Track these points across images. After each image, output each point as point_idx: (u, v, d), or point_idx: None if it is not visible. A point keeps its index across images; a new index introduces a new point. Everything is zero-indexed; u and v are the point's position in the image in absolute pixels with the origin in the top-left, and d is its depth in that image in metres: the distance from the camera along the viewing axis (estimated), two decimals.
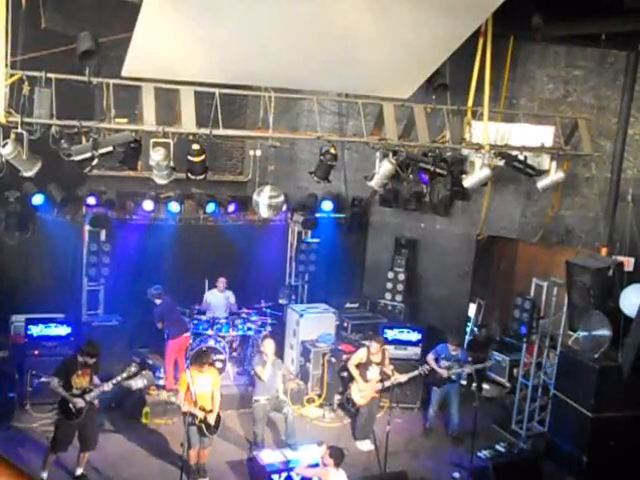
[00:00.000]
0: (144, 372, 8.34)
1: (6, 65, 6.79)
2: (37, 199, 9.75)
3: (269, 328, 10.87)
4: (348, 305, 11.91)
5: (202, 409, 7.87)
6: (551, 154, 9.63)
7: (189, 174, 8.21)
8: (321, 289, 12.09)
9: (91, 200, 10.21)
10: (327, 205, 11.96)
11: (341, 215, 12.26)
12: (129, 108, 8.04)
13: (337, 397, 10.27)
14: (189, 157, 7.97)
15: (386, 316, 11.73)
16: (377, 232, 12.58)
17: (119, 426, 9.22)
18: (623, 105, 9.97)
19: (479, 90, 9.13)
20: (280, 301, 11.63)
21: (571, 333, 9.07)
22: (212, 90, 7.89)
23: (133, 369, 7.70)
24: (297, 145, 12.28)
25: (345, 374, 10.02)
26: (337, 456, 6.78)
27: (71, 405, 7.51)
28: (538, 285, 9.74)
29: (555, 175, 9.55)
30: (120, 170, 9.18)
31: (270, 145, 8.33)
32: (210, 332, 10.42)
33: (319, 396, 10.36)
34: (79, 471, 7.90)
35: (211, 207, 10.93)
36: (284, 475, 7.67)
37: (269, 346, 8.81)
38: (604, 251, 9.88)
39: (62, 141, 7.20)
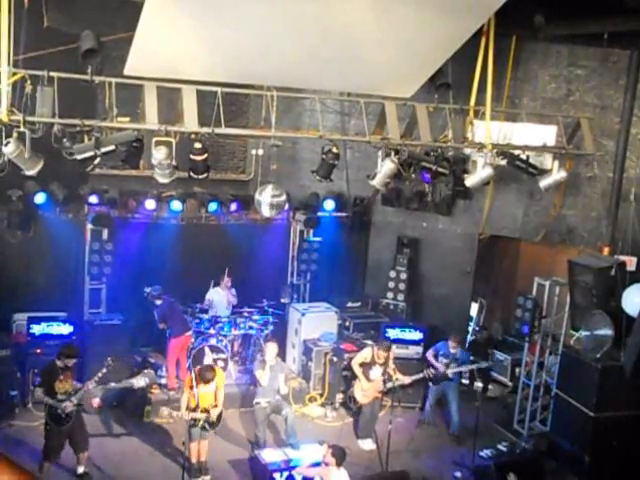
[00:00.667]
0: (146, 371, 8.34)
1: (8, 64, 6.80)
2: (39, 198, 9.74)
3: (271, 327, 10.89)
4: (350, 304, 11.92)
5: (204, 410, 7.88)
6: (553, 153, 9.65)
7: (191, 173, 8.22)
8: (323, 288, 12.07)
9: (93, 199, 10.21)
10: (329, 204, 11.96)
11: (343, 214, 12.25)
12: (131, 107, 8.03)
13: (339, 396, 10.28)
14: (191, 156, 7.98)
15: (388, 315, 11.74)
16: (379, 231, 12.57)
17: (121, 425, 9.25)
18: (626, 104, 9.95)
19: (481, 89, 9.14)
20: (282, 300, 11.63)
21: (573, 332, 9.07)
22: (214, 89, 7.89)
23: (111, 362, 7.67)
24: (299, 144, 12.29)
25: (347, 373, 10.04)
26: (339, 455, 6.79)
27: (60, 411, 7.47)
28: (540, 284, 9.74)
29: (557, 174, 9.55)
30: (122, 169, 9.21)
31: (272, 144, 8.30)
32: (212, 331, 10.42)
33: (321, 395, 10.36)
34: (80, 469, 7.91)
35: (213, 206, 10.95)
36: (286, 474, 7.70)
37: (269, 351, 8.83)
38: (606, 250, 9.87)
39: (64, 140, 7.22)
